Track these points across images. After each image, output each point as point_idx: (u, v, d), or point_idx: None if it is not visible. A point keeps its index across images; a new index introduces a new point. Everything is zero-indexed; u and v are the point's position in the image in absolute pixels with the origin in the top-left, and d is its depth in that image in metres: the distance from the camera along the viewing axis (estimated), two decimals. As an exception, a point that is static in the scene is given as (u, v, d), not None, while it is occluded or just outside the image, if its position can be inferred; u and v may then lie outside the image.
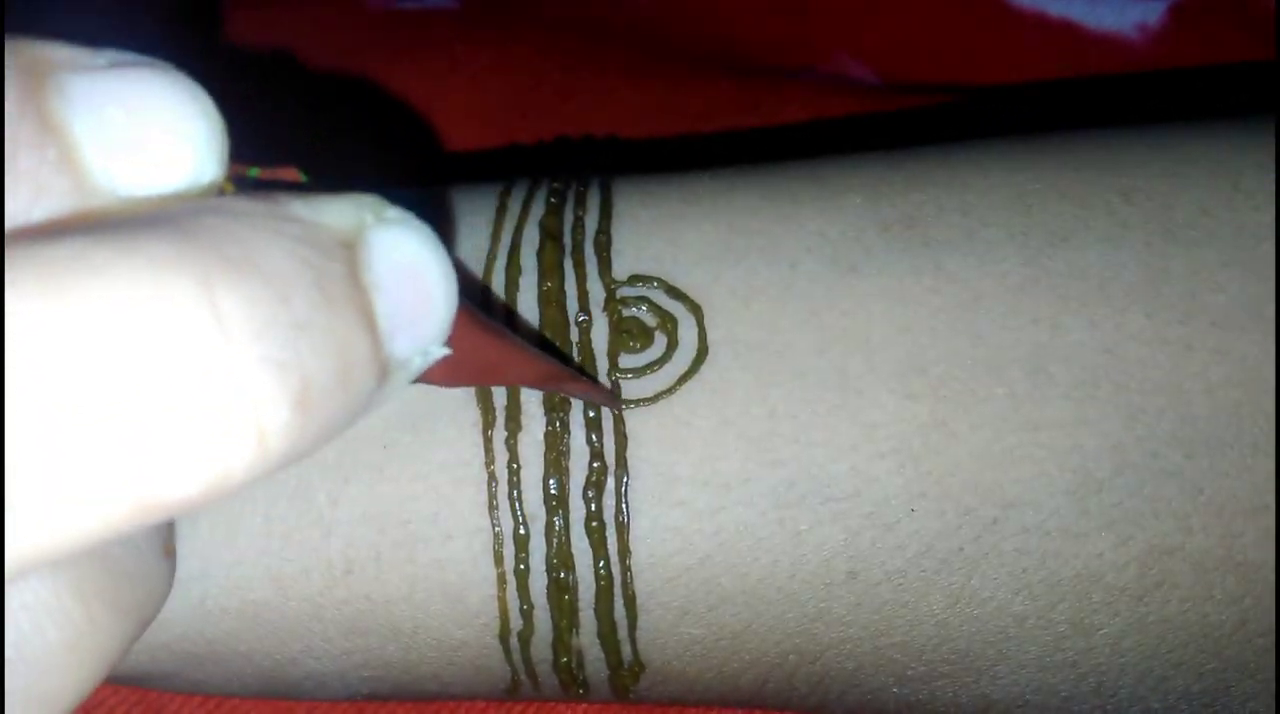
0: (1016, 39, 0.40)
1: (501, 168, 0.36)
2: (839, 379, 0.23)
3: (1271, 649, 0.23)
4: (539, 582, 0.23)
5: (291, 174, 0.17)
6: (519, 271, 0.24)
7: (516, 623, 0.23)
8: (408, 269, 0.14)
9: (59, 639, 0.15)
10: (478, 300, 0.24)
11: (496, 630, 0.23)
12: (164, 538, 0.18)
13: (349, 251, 0.14)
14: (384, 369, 0.14)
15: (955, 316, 0.23)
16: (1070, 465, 0.23)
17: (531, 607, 0.23)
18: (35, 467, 0.12)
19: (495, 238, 0.24)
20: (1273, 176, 0.24)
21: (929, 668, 0.24)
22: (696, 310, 0.24)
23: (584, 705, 0.29)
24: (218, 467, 0.12)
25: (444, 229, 0.25)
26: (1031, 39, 0.40)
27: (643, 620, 0.23)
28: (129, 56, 0.14)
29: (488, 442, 0.23)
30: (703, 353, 0.23)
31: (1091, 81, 0.39)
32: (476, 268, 0.24)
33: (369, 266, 0.14)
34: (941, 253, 0.24)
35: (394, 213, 0.15)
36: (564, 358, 0.23)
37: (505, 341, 0.19)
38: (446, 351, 0.15)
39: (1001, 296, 0.23)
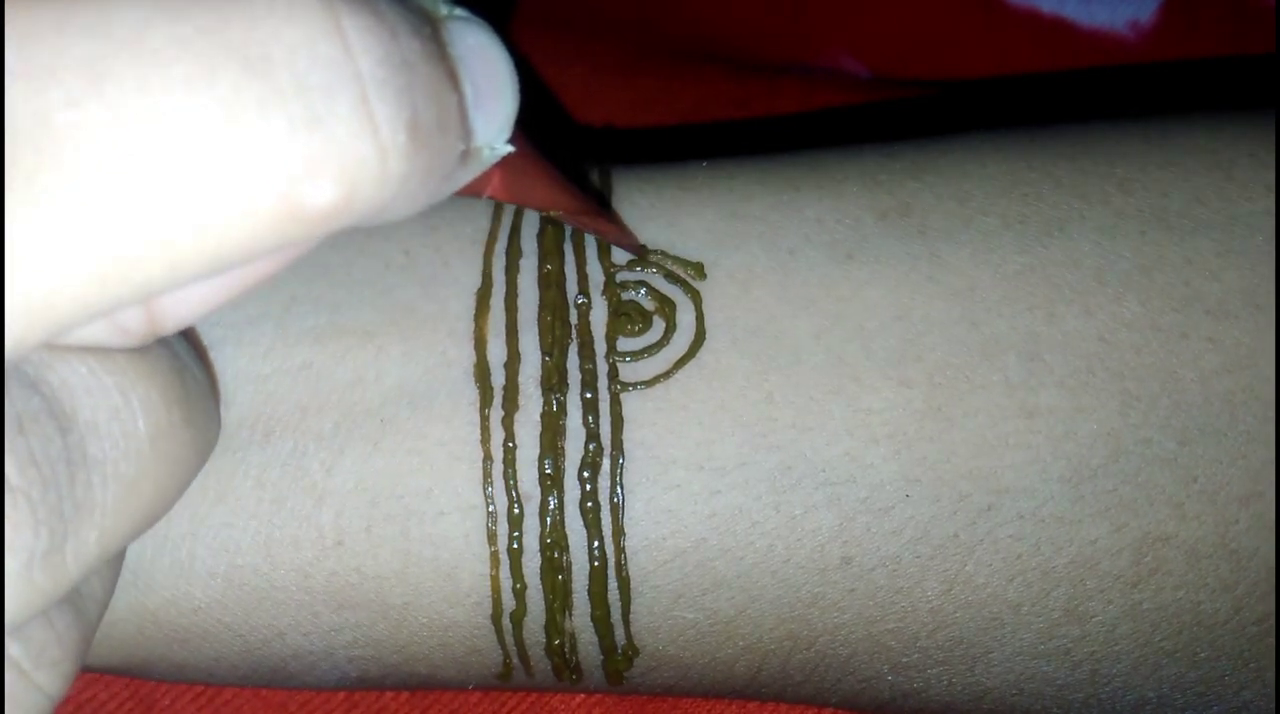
0: (1009, 36, 0.40)
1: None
2: (835, 365, 0.23)
3: (1265, 637, 0.23)
4: (532, 561, 0.23)
5: None
6: (519, 253, 0.24)
7: (509, 603, 0.23)
8: (483, 54, 0.16)
9: (147, 431, 0.16)
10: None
11: (489, 610, 0.23)
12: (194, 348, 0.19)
13: (435, 27, 0.15)
14: (468, 139, 0.15)
15: (951, 304, 0.23)
16: (1065, 452, 0.23)
17: (524, 586, 0.23)
18: (201, 164, 0.13)
19: (496, 219, 0.24)
20: (1266, 167, 0.24)
21: (923, 655, 0.24)
22: (695, 295, 0.24)
23: (580, 698, 0.29)
24: (348, 175, 0.14)
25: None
26: (1024, 36, 0.40)
27: (637, 604, 0.23)
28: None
29: (484, 420, 0.23)
30: (700, 337, 0.23)
31: (1086, 76, 0.39)
32: (477, 249, 0.24)
33: (452, 42, 0.15)
34: (938, 241, 0.24)
35: (461, 11, 0.16)
36: (599, 198, 0.24)
37: (548, 165, 0.20)
38: (510, 149, 0.16)
39: (997, 284, 0.23)
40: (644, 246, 0.24)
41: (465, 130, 0.15)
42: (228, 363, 0.23)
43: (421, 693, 0.29)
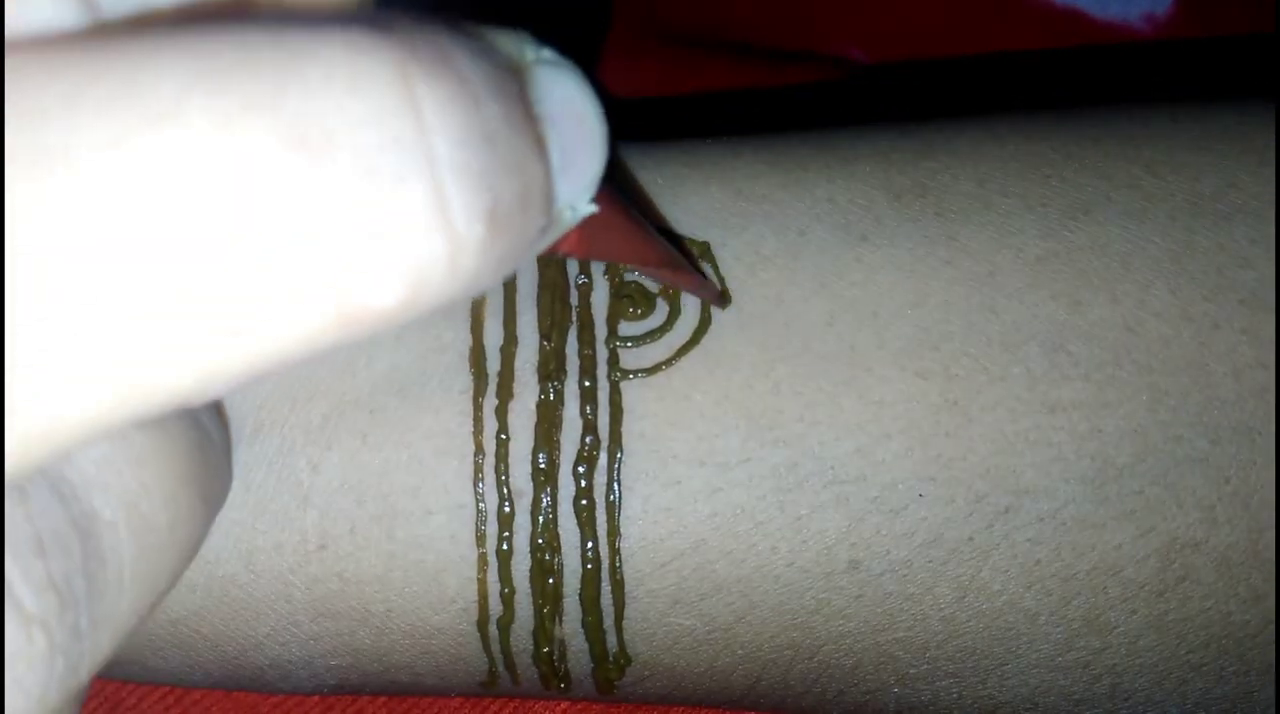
0: (1022, 28, 0.39)
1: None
2: (847, 354, 0.21)
3: None
4: (522, 564, 0.21)
5: None
6: None
7: (496, 608, 0.22)
8: (572, 108, 0.13)
9: (167, 520, 0.14)
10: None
11: (474, 616, 0.22)
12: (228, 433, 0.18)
13: (520, 77, 0.13)
14: (550, 211, 0.13)
15: (970, 290, 0.22)
16: (1089, 450, 0.21)
17: (513, 591, 0.21)
18: (247, 264, 0.11)
19: None
20: None
21: (933, 666, 0.22)
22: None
23: (564, 704, 0.27)
24: (415, 275, 0.11)
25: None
26: (1037, 28, 0.39)
27: (630, 608, 0.22)
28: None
29: (478, 410, 0.21)
30: (705, 323, 0.22)
31: (1104, 58, 0.38)
32: None
33: (539, 99, 0.13)
34: (956, 223, 0.22)
35: (549, 54, 0.14)
36: (681, 248, 0.22)
37: (633, 218, 0.18)
38: (593, 208, 0.14)
39: (1019, 270, 0.22)
40: (727, 293, 0.22)
41: (549, 202, 0.13)
42: None
43: (399, 697, 0.27)
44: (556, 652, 0.22)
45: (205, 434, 0.16)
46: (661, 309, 0.22)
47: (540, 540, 0.21)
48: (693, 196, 0.23)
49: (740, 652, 0.22)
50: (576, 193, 0.14)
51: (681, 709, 0.27)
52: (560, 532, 0.21)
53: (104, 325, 0.11)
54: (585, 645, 0.22)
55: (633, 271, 0.22)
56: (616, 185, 0.19)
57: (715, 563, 0.21)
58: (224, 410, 0.21)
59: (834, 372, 0.21)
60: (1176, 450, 0.21)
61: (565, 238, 0.15)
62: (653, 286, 0.22)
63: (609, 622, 0.22)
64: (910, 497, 0.21)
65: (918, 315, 0.22)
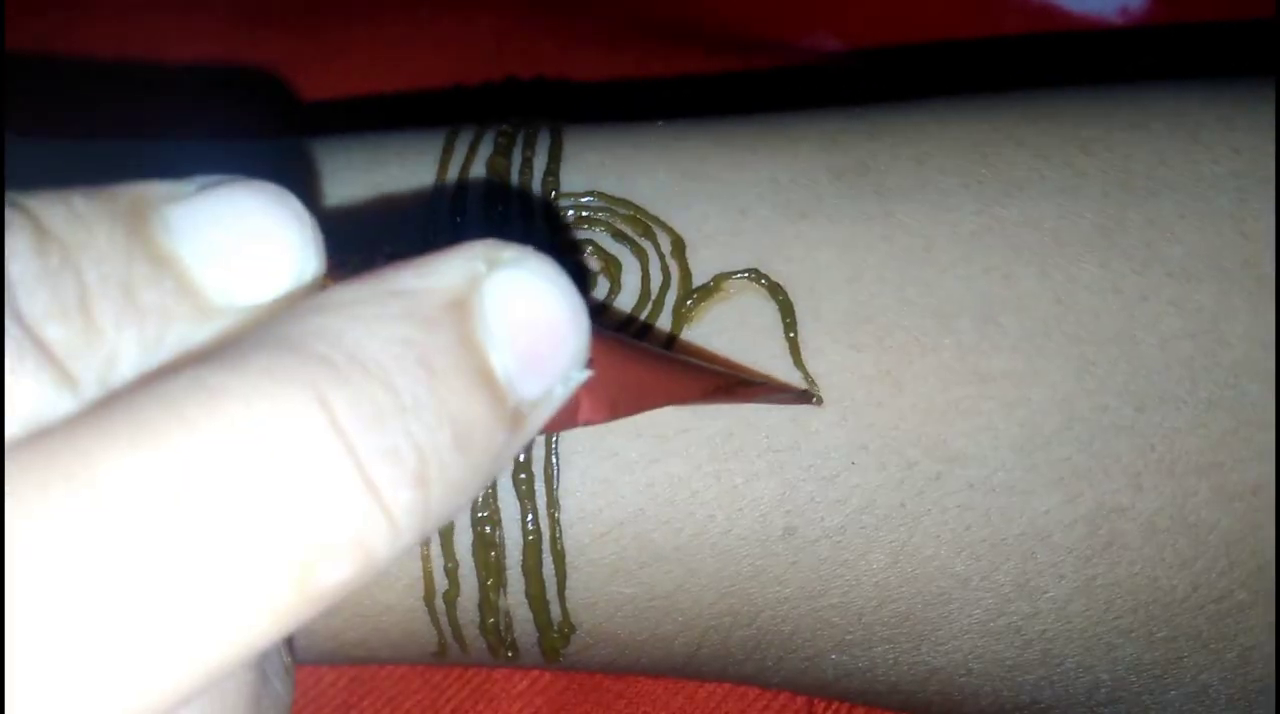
0: (998, 22, 0.39)
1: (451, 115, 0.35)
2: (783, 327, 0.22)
3: (1225, 617, 0.22)
4: (464, 539, 0.22)
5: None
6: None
7: (442, 583, 0.22)
8: (527, 313, 0.15)
9: None
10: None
11: (421, 592, 0.22)
12: (284, 657, 0.19)
13: (460, 311, 0.14)
14: (514, 416, 0.15)
15: (905, 265, 0.22)
16: (1017, 419, 0.22)
17: (456, 564, 0.22)
18: (211, 574, 0.12)
19: (441, 176, 0.24)
20: (1233, 130, 0.24)
21: (868, 632, 0.23)
22: (641, 255, 0.23)
23: (522, 684, 0.28)
24: (360, 551, 0.13)
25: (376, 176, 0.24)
26: (1013, 22, 0.39)
27: (572, 579, 0.22)
28: (214, 177, 0.15)
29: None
30: (644, 299, 0.23)
31: (1070, 48, 0.38)
32: (420, 206, 0.23)
33: (482, 322, 0.14)
34: (894, 200, 0.23)
35: (510, 253, 0.15)
36: (739, 370, 0.22)
37: (657, 362, 0.19)
38: (588, 373, 0.15)
39: (953, 245, 0.22)
40: (809, 392, 0.22)
41: (504, 417, 0.14)
42: None
43: (360, 679, 0.28)
44: (502, 622, 0.23)
45: (264, 684, 0.17)
46: (602, 286, 0.23)
47: (481, 515, 0.22)
48: (640, 176, 0.24)
49: (681, 619, 0.23)
50: (548, 383, 0.15)
51: (635, 681, 0.28)
52: (500, 506, 0.22)
53: (87, 659, 0.12)
54: (530, 615, 0.23)
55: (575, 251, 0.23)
56: (629, 339, 0.20)
57: (653, 532, 0.22)
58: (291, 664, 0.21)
59: (769, 344, 0.22)
60: (1103, 419, 0.22)
61: (575, 410, 0.16)
62: (594, 265, 0.23)
63: (552, 592, 0.22)
64: (843, 464, 0.22)
65: (853, 289, 0.22)
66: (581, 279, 0.22)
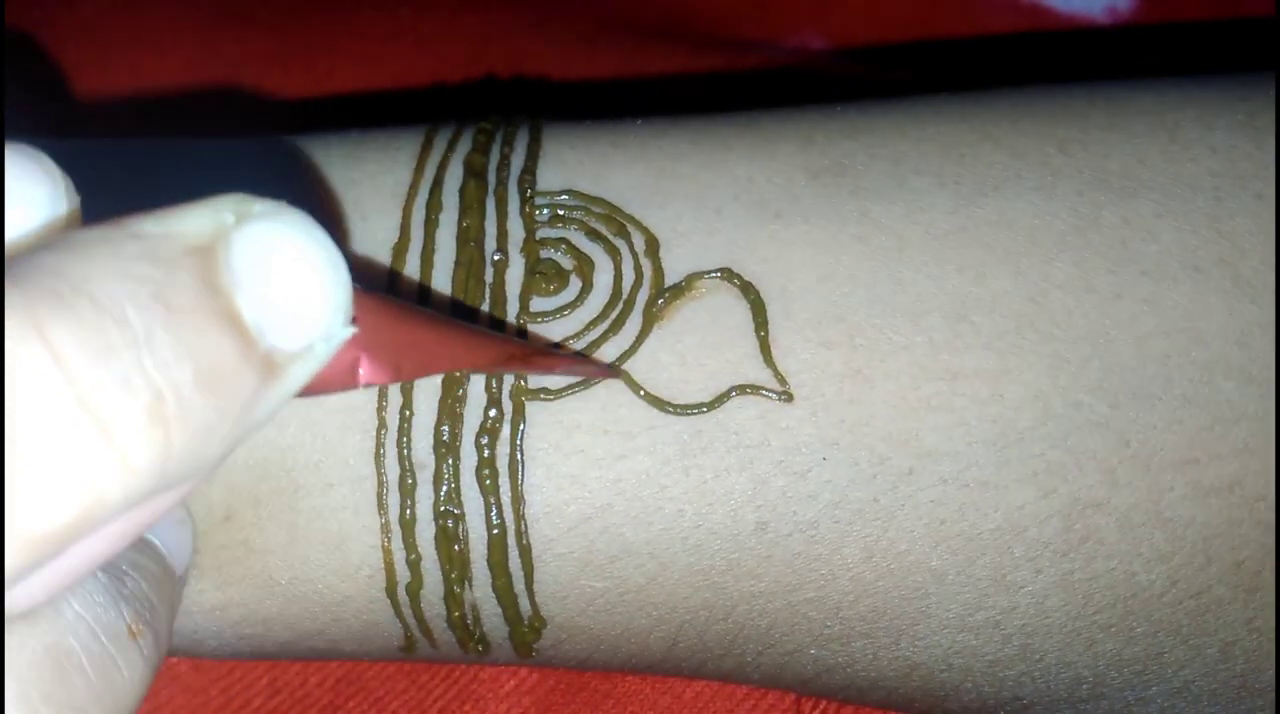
0: (985, 22, 0.39)
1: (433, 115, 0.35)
2: (753, 326, 0.22)
3: (1203, 613, 0.22)
4: (426, 532, 0.22)
5: None
6: (440, 207, 0.23)
7: (404, 575, 0.22)
8: (278, 262, 0.15)
9: None
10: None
11: (382, 583, 0.22)
12: (124, 619, 0.18)
13: (203, 256, 0.14)
14: (266, 364, 0.14)
15: (878, 264, 0.22)
16: (990, 415, 0.22)
17: (419, 557, 0.22)
18: None
19: (418, 172, 0.24)
20: (1211, 129, 0.23)
21: (846, 627, 0.23)
22: (615, 254, 0.23)
23: (510, 684, 0.28)
24: (88, 491, 0.13)
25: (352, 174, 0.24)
26: (1000, 21, 0.39)
27: (540, 572, 0.22)
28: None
29: (383, 386, 0.22)
30: (615, 298, 0.22)
31: (1056, 53, 0.38)
32: (396, 203, 0.23)
33: (227, 266, 0.14)
34: (869, 200, 0.23)
35: (261, 207, 0.15)
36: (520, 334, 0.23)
37: (443, 326, 0.18)
38: (352, 330, 0.15)
39: (927, 245, 0.22)
40: (614, 366, 0.22)
41: (254, 362, 0.14)
42: None
43: (346, 680, 0.28)
44: (469, 615, 0.23)
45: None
46: (575, 285, 0.23)
47: (443, 508, 0.22)
48: (616, 175, 0.24)
49: (655, 613, 0.23)
50: (314, 335, 0.15)
51: (622, 679, 0.28)
52: (464, 501, 0.22)
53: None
54: (499, 609, 0.23)
55: (549, 248, 0.23)
56: (412, 304, 0.19)
57: (622, 526, 0.22)
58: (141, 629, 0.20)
59: (740, 343, 0.22)
60: (1077, 415, 0.22)
61: (352, 371, 0.16)
62: (567, 263, 0.23)
63: (520, 585, 0.22)
64: (815, 460, 0.22)
65: (825, 289, 0.22)
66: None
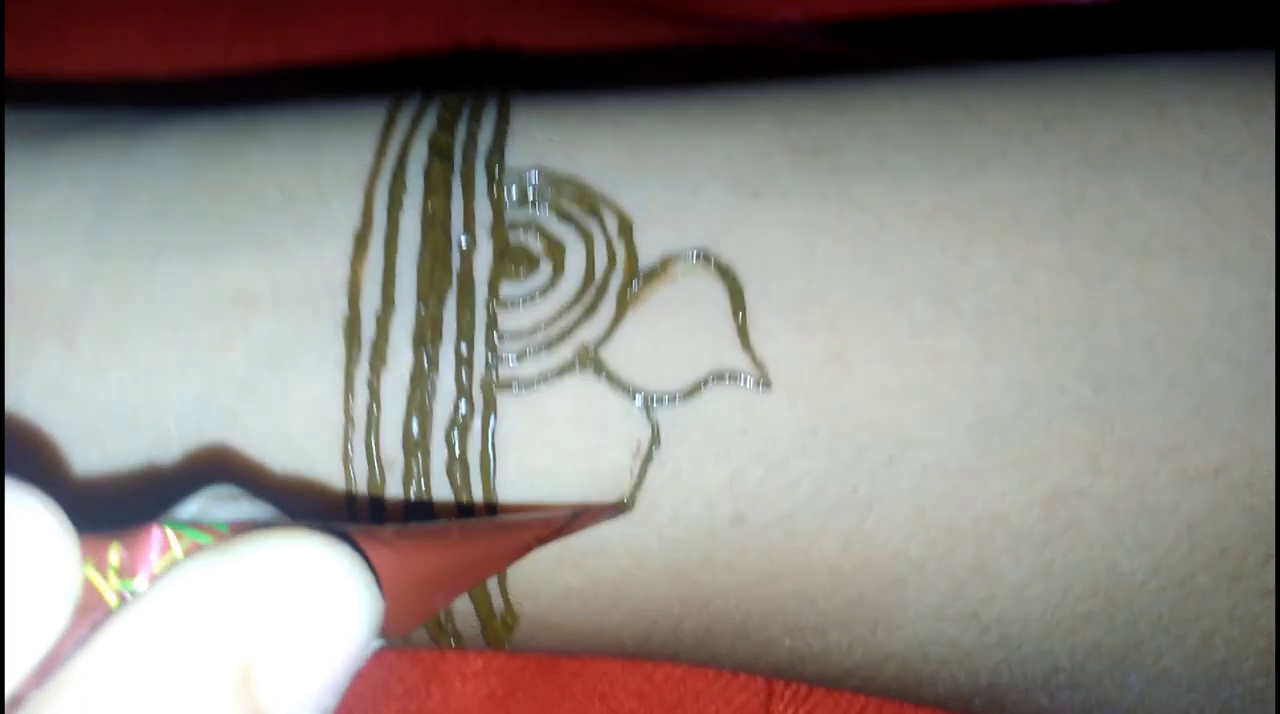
0: (968, 3, 0.39)
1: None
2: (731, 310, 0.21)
3: (1186, 601, 0.22)
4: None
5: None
6: (404, 190, 0.22)
7: None
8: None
9: None
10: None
11: None
12: None
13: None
14: None
15: (859, 245, 0.22)
16: (972, 400, 0.21)
17: (390, 555, 0.22)
18: None
19: (381, 153, 0.23)
20: (1200, 105, 0.23)
21: (822, 617, 0.22)
22: (587, 237, 0.22)
23: (476, 665, 0.27)
24: None
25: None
26: (983, 4, 0.39)
27: (513, 568, 0.22)
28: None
29: (349, 381, 0.21)
30: (588, 281, 0.22)
31: (1043, 29, 0.38)
32: (359, 186, 0.23)
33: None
34: (850, 179, 0.22)
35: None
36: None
37: (467, 541, 0.19)
38: (380, 643, 0.17)
39: (909, 225, 0.22)
40: (621, 503, 0.21)
41: None
42: None
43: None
44: (441, 612, 0.22)
45: None
46: (545, 268, 0.22)
47: (412, 506, 0.21)
48: (589, 153, 0.23)
49: (629, 608, 0.22)
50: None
51: (595, 660, 0.27)
52: (434, 497, 0.21)
53: None
54: (472, 606, 0.22)
55: (518, 231, 0.22)
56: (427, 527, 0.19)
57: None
58: None
59: (717, 327, 0.21)
60: (1061, 400, 0.21)
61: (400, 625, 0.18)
62: (536, 247, 0.22)
63: (493, 582, 0.22)
64: (793, 449, 0.21)
65: (805, 270, 0.22)
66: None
